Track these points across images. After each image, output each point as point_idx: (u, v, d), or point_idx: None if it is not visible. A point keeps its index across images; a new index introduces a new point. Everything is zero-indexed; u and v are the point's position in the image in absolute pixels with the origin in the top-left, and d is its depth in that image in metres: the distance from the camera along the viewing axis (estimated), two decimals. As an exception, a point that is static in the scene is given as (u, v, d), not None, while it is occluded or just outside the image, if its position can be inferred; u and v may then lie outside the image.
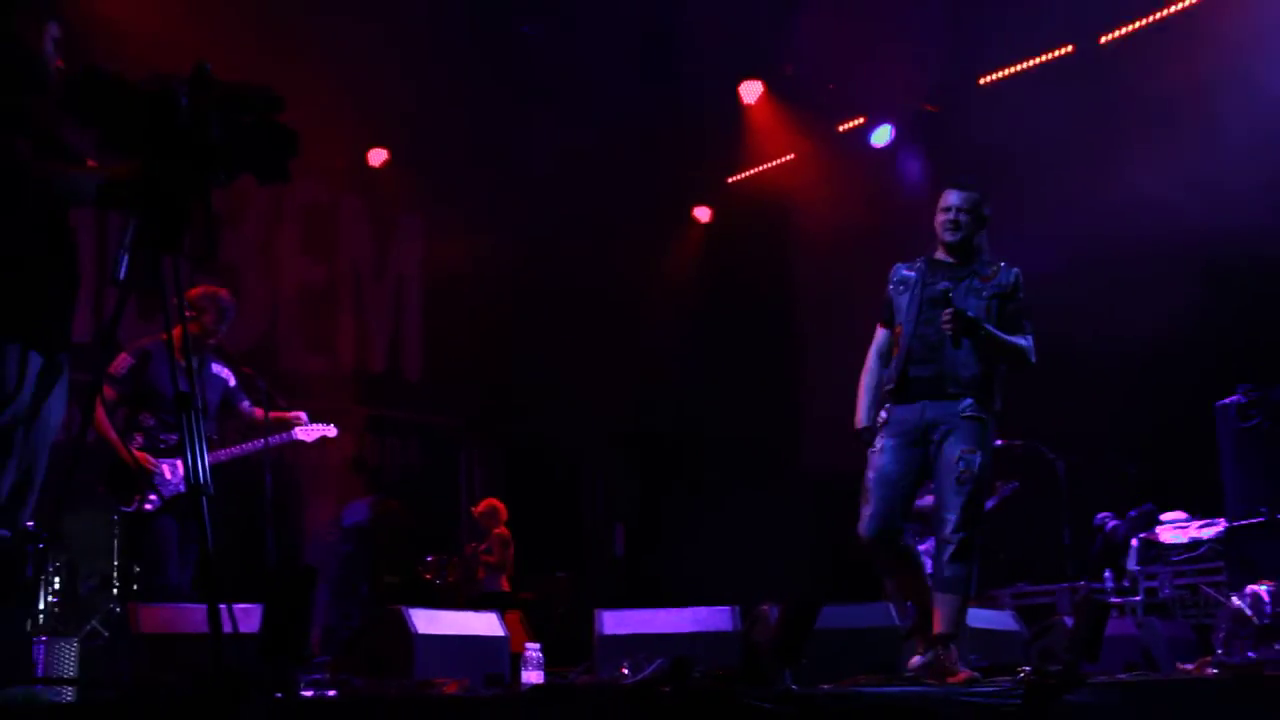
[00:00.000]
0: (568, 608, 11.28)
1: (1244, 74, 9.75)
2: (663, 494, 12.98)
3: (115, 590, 6.97)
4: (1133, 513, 10.31)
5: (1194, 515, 10.18)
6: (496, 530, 11.13)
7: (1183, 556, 10.12)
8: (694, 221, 14.11)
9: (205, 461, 3.94)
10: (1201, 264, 10.02)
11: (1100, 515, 10.39)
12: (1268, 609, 8.35)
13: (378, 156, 12.31)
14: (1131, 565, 10.26)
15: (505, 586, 10.95)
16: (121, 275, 4.06)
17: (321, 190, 12.22)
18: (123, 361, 6.88)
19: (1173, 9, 11.06)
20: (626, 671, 5.35)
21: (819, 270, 12.85)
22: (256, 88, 4.17)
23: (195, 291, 7.04)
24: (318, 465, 10.08)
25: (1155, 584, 10.09)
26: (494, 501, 11.27)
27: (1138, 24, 11.33)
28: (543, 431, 12.85)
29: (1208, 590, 9.55)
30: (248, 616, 5.22)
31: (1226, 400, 9.67)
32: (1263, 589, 8.45)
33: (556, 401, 12.42)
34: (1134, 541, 10.31)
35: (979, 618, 7.28)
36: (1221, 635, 8.62)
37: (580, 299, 12.41)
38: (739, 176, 13.79)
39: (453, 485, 12.47)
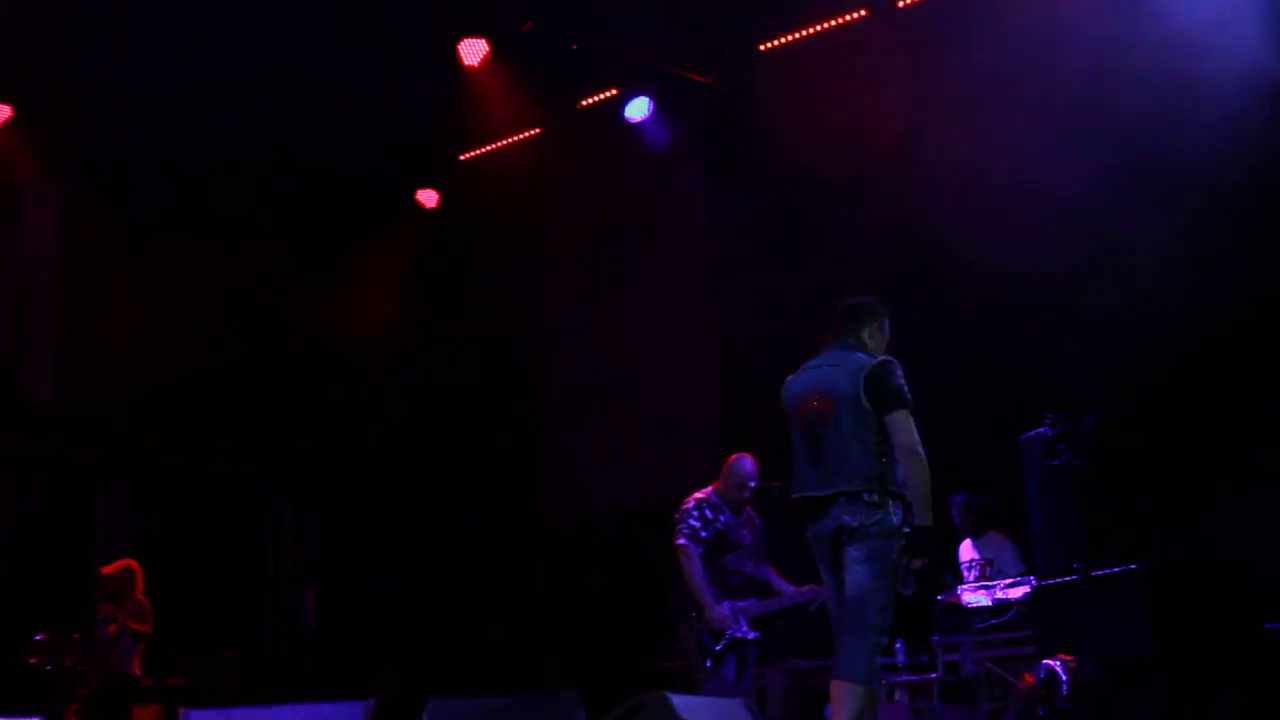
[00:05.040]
0: (235, 697, 6.91)
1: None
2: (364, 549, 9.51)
3: None
4: None
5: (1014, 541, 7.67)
6: (133, 597, 7.37)
7: (988, 623, 7.18)
8: (416, 207, 9.87)
9: None
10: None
11: None
12: (1064, 689, 5.81)
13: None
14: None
15: (137, 670, 7.27)
16: None
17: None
18: None
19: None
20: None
21: (570, 273, 9.34)
22: None
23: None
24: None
25: (957, 657, 7.17)
26: (129, 562, 7.46)
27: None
28: (207, 467, 9.10)
29: (993, 668, 6.97)
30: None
31: (1032, 433, 7.03)
32: (1058, 664, 5.86)
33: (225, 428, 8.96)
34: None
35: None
36: (1010, 725, 7.30)
37: (267, 301, 8.61)
38: (472, 153, 9.78)
39: (86, 538, 8.29)
